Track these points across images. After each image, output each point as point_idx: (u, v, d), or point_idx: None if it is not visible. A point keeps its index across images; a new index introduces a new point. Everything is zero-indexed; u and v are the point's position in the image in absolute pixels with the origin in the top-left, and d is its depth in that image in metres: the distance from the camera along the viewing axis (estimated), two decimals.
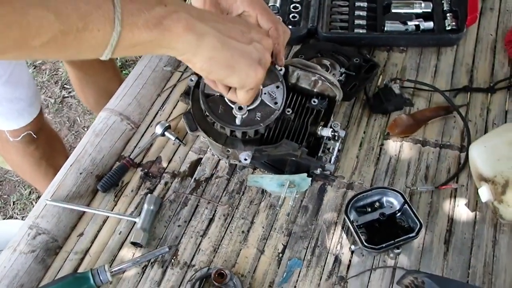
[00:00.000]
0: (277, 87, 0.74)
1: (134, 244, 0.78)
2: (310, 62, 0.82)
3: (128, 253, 0.79)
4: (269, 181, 0.74)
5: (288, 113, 0.75)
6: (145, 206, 0.81)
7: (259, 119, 0.71)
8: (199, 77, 0.76)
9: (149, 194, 0.83)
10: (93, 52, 0.49)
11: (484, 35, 0.99)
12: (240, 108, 0.70)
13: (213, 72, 0.56)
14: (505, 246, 0.73)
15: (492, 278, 0.70)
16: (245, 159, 0.71)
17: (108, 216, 0.83)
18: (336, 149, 0.79)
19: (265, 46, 0.59)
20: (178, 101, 0.97)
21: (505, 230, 0.74)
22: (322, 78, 0.80)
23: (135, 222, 0.80)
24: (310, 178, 0.73)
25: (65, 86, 2.20)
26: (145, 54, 0.52)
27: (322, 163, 0.73)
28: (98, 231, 0.81)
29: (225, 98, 0.71)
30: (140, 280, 0.75)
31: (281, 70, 0.76)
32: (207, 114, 0.72)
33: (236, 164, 0.85)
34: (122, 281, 0.76)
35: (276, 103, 0.72)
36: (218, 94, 0.72)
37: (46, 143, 1.37)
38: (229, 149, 0.74)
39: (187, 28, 0.51)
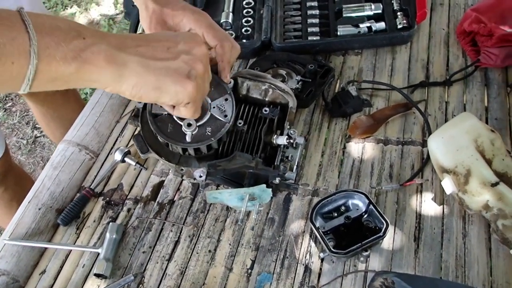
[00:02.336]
0: (226, 99, 0.73)
1: (98, 276, 0.75)
2: (259, 72, 0.81)
3: (93, 286, 0.75)
4: (229, 196, 0.72)
5: (240, 125, 0.74)
6: (107, 235, 0.78)
7: (209, 134, 0.69)
8: None
9: (111, 223, 0.80)
10: (10, 85, 0.47)
11: (436, 30, 0.99)
12: (189, 125, 0.68)
13: (143, 97, 0.55)
14: (475, 236, 0.71)
15: (465, 271, 0.68)
16: (200, 176, 0.69)
17: (71, 250, 0.80)
18: (296, 157, 0.78)
19: (196, 55, 0.57)
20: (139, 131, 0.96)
21: (474, 220, 0.73)
22: (272, 86, 0.79)
23: (98, 253, 0.77)
24: (270, 189, 0.71)
25: (36, 126, 2.16)
26: (68, 87, 0.51)
27: (279, 172, 0.72)
28: (61, 267, 0.78)
29: (174, 116, 0.69)
30: None
31: (230, 82, 0.75)
32: (157, 134, 0.70)
33: (198, 184, 0.83)
34: None
35: (226, 116, 0.71)
36: (166, 113, 0.70)
37: (16, 184, 1.34)
38: (182, 168, 0.72)
39: (107, 60, 0.50)
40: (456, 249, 0.70)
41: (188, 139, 0.69)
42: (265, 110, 0.77)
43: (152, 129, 0.70)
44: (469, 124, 0.73)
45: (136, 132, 0.73)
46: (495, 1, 0.93)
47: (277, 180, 0.72)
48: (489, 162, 0.71)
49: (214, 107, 0.71)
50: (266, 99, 0.78)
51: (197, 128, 0.69)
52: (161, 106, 0.69)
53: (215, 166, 0.70)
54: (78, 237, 0.81)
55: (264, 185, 0.71)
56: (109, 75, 0.51)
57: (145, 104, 0.74)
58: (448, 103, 0.87)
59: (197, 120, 0.69)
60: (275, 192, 0.78)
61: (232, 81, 0.75)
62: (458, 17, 1.00)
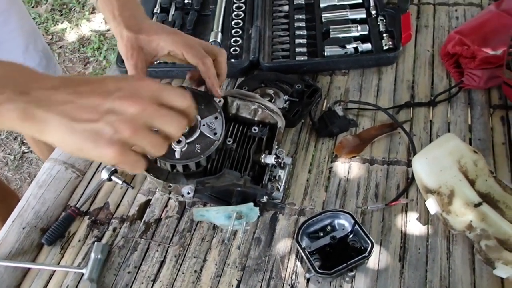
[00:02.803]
0: (216, 118, 0.73)
1: None
2: (249, 92, 0.82)
3: None
4: (216, 214, 0.72)
5: (229, 143, 0.74)
6: (92, 255, 0.78)
7: (199, 151, 0.69)
8: None
9: (96, 243, 0.79)
10: None
11: (421, 51, 1.01)
12: (178, 142, 0.69)
13: (68, 151, 0.52)
14: (459, 257, 0.72)
15: None
16: (188, 193, 0.69)
17: (55, 270, 0.79)
18: (283, 176, 0.78)
19: (125, 115, 0.50)
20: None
21: (458, 240, 0.73)
22: (262, 106, 0.80)
23: (82, 274, 0.77)
24: (258, 208, 0.71)
25: (24, 141, 2.15)
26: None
27: (267, 190, 0.72)
28: (45, 287, 0.77)
29: None
30: None
31: (220, 101, 0.76)
32: None
33: (185, 202, 0.83)
34: None
35: (215, 133, 0.71)
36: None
37: (1, 201, 1.33)
38: (170, 184, 0.72)
39: (22, 118, 0.47)
40: (440, 269, 0.71)
41: (177, 155, 0.69)
42: (254, 129, 0.78)
43: None
44: (452, 145, 0.74)
45: None
46: (477, 24, 0.95)
47: (264, 199, 0.72)
48: (472, 183, 0.72)
49: (204, 125, 0.72)
50: (255, 119, 0.79)
51: (186, 145, 0.69)
52: None
53: (203, 183, 0.70)
54: (62, 257, 0.81)
55: (252, 204, 0.71)
56: (27, 130, 0.49)
57: None
58: (433, 123, 0.89)
59: (186, 137, 0.69)
60: (262, 212, 0.78)
61: (222, 99, 0.75)
62: (442, 39, 1.02)
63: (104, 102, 0.49)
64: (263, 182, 0.74)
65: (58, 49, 2.60)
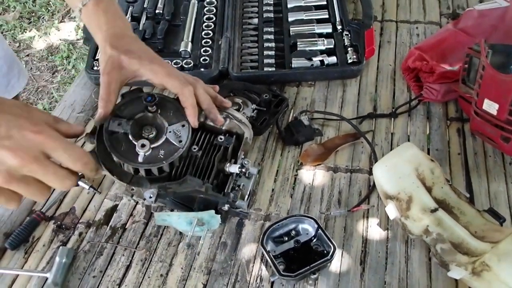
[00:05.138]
0: (183, 125, 0.74)
1: None
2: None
3: None
4: (177, 219, 0.73)
5: (195, 150, 0.76)
6: (57, 259, 0.77)
7: (162, 156, 0.70)
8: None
9: (61, 247, 0.79)
10: None
11: (384, 65, 1.06)
12: (143, 146, 0.69)
13: None
14: (417, 260, 0.75)
15: None
16: (150, 197, 0.70)
17: (18, 275, 0.78)
18: (249, 186, 0.80)
19: (5, 165, 0.51)
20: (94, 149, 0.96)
21: (415, 244, 0.76)
22: (230, 116, 0.81)
23: (46, 278, 0.76)
24: (219, 216, 0.72)
25: None
26: None
27: (229, 199, 0.73)
28: None
29: (129, 136, 0.71)
30: None
31: (196, 127, 0.77)
32: (110, 151, 0.71)
33: (151, 207, 0.84)
34: None
35: (180, 141, 0.72)
36: (122, 131, 0.71)
37: None
38: (133, 188, 0.73)
39: None
40: (399, 272, 0.74)
41: (140, 159, 0.70)
42: (220, 138, 0.79)
43: (106, 146, 0.71)
44: (410, 154, 0.77)
45: (91, 150, 0.73)
46: (436, 41, 1.00)
47: (226, 207, 0.73)
48: (429, 190, 0.76)
49: (170, 132, 0.73)
50: (223, 128, 0.81)
51: (150, 150, 0.70)
52: (118, 124, 0.71)
53: (165, 188, 0.71)
54: (26, 262, 0.80)
55: (213, 211, 0.72)
56: None
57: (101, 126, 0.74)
58: (394, 134, 0.93)
59: (151, 142, 0.70)
60: (225, 219, 0.79)
61: (197, 124, 0.76)
62: (403, 54, 1.07)
63: (3, 129, 0.50)
64: (226, 190, 0.76)
65: (26, 57, 2.56)
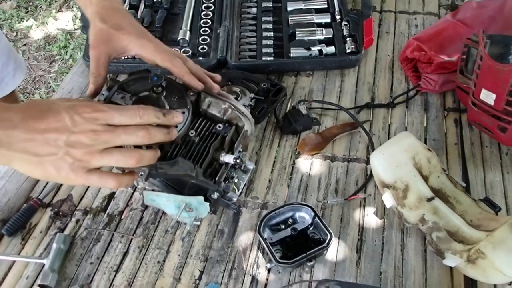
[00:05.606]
0: (183, 112, 0.74)
1: (42, 286, 0.74)
2: (224, 92, 0.84)
3: None
4: (166, 201, 0.73)
5: (192, 135, 0.75)
6: (54, 245, 0.77)
7: None
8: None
9: (58, 233, 0.79)
10: None
11: (382, 56, 1.06)
12: None
13: (36, 178, 0.59)
14: (412, 248, 0.75)
15: (402, 281, 0.72)
16: (141, 174, 0.70)
17: (15, 261, 0.78)
18: (244, 180, 0.80)
19: (82, 145, 0.55)
20: None
21: (411, 233, 0.77)
22: (232, 107, 0.81)
23: (43, 264, 0.76)
24: (208, 204, 0.72)
25: None
26: None
27: (219, 187, 0.73)
28: (3, 278, 0.76)
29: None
30: None
31: (192, 94, 0.77)
32: None
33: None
34: None
35: (176, 127, 0.72)
36: (123, 105, 0.72)
37: None
38: None
39: None
40: (394, 260, 0.74)
41: None
42: (219, 127, 0.79)
43: None
44: (407, 143, 0.77)
45: None
46: (434, 32, 1.00)
47: (215, 195, 0.73)
48: (425, 179, 0.76)
49: None
50: (224, 118, 0.80)
51: None
52: (122, 97, 0.71)
53: (156, 167, 0.71)
54: (23, 248, 0.80)
55: (202, 198, 0.72)
56: None
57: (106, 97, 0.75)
58: (391, 124, 0.93)
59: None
60: (215, 210, 0.78)
61: (196, 95, 0.76)
62: (402, 44, 1.07)
63: (60, 136, 0.54)
64: (217, 179, 0.76)
65: (23, 47, 2.54)
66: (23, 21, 2.67)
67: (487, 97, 0.80)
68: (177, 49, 1.03)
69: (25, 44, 2.56)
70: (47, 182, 0.88)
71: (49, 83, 2.35)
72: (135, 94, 0.74)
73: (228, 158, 0.77)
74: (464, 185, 0.78)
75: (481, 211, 0.74)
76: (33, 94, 2.29)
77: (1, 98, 1.26)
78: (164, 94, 0.75)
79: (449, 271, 0.72)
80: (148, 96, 0.75)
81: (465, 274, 0.69)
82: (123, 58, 0.91)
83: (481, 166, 0.84)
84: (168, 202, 0.75)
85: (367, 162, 0.86)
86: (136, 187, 0.86)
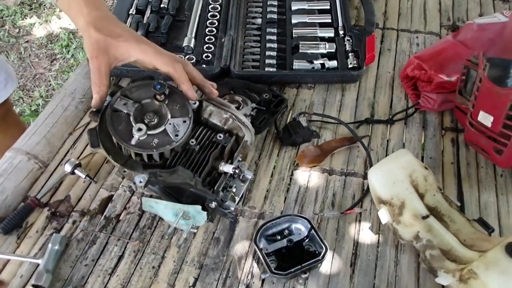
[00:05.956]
0: (184, 121, 0.75)
1: (36, 287, 0.74)
2: (225, 101, 0.84)
3: None
4: (164, 208, 0.74)
5: (192, 144, 0.76)
6: (50, 246, 0.77)
7: (154, 145, 0.72)
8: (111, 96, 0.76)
9: (54, 234, 0.79)
10: None
11: (383, 72, 1.07)
12: (139, 130, 0.71)
13: None
14: (406, 265, 0.76)
15: None
16: (140, 181, 0.70)
17: (9, 260, 0.78)
18: (242, 190, 0.81)
19: None
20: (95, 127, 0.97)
21: (405, 250, 0.78)
22: (233, 117, 0.82)
23: (38, 264, 0.76)
24: (205, 212, 0.73)
25: None
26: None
27: (217, 197, 0.74)
28: None
29: (131, 117, 0.72)
30: None
31: (195, 103, 0.78)
32: (108, 126, 0.72)
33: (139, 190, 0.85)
34: None
35: (177, 135, 0.73)
36: (125, 112, 0.73)
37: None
38: (126, 170, 0.73)
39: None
40: (388, 276, 0.75)
41: (133, 142, 0.71)
42: (219, 136, 0.79)
43: (106, 120, 0.72)
44: (405, 160, 0.79)
45: (93, 127, 0.75)
46: (435, 51, 1.02)
47: (213, 205, 0.74)
48: (421, 196, 0.77)
49: (170, 124, 0.74)
50: (225, 127, 0.81)
51: (146, 136, 0.71)
52: (124, 104, 0.72)
53: (156, 175, 0.72)
54: (18, 247, 0.80)
55: (200, 207, 0.72)
56: None
57: (108, 103, 0.75)
58: (389, 140, 0.94)
59: (149, 128, 0.72)
60: (212, 218, 0.78)
61: (198, 103, 0.78)
62: (403, 62, 1.08)
63: None
64: (215, 188, 0.76)
65: (25, 43, 2.55)
66: (26, 18, 2.68)
67: (485, 119, 0.81)
68: (181, 56, 1.04)
69: (27, 41, 2.56)
70: (46, 182, 0.88)
71: (49, 81, 2.35)
72: (137, 101, 0.75)
73: (227, 168, 0.77)
74: (459, 204, 0.79)
75: (475, 231, 0.75)
76: (32, 91, 2.30)
77: (2, 118, 1.28)
78: (167, 102, 0.76)
79: None
80: (150, 103, 0.76)
81: None
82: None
83: (476, 187, 0.86)
84: (166, 210, 0.75)
85: (365, 177, 0.87)
86: (134, 191, 0.87)
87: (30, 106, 2.22)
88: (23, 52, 2.49)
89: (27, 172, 0.89)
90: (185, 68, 0.76)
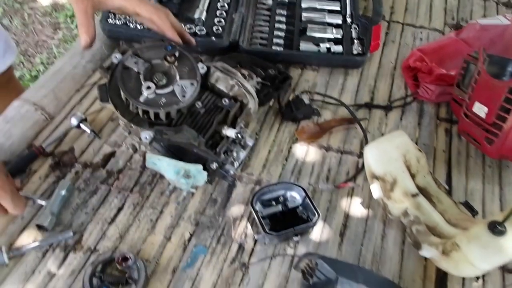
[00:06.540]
0: (192, 84, 0.78)
1: (39, 227, 0.76)
2: (232, 68, 0.87)
3: (28, 238, 0.76)
4: (167, 166, 0.76)
5: (198, 106, 0.79)
6: (57, 190, 0.79)
7: (162, 104, 0.74)
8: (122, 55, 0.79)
9: (63, 180, 0.81)
10: None
11: (385, 62, 1.11)
12: (148, 88, 0.73)
13: None
14: (392, 239, 0.80)
15: (379, 266, 0.76)
16: (146, 138, 0.73)
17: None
18: (242, 156, 0.84)
19: None
20: (97, 97, 0.98)
21: (393, 225, 0.81)
22: (239, 84, 0.85)
23: (41, 206, 0.79)
24: (206, 173, 0.75)
25: None
26: None
27: (219, 159, 0.77)
28: None
29: (140, 76, 0.75)
30: (39, 264, 0.73)
31: (203, 68, 0.81)
32: (118, 83, 0.74)
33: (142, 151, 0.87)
34: (20, 265, 0.73)
35: (184, 96, 0.76)
36: (136, 70, 0.75)
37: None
38: (132, 125, 0.76)
39: None
40: (374, 247, 0.78)
41: (141, 99, 0.73)
42: (225, 101, 0.82)
43: (117, 77, 0.74)
44: (400, 141, 0.82)
45: (102, 83, 0.78)
46: (438, 46, 1.06)
47: (214, 166, 0.76)
48: (413, 176, 0.81)
49: (178, 85, 0.76)
50: (230, 94, 0.84)
51: (154, 94, 0.74)
52: (135, 62, 0.76)
53: (161, 132, 0.74)
54: (20, 191, 0.82)
55: (201, 166, 0.75)
56: None
57: (119, 60, 0.78)
58: (386, 125, 0.98)
59: (158, 88, 0.74)
60: (212, 180, 0.81)
61: (206, 67, 0.80)
62: (405, 54, 1.12)
63: None
64: (217, 150, 0.79)
65: (29, 10, 2.55)
66: None
67: (480, 110, 0.85)
68: (191, 26, 1.06)
69: (31, 8, 2.56)
70: (51, 133, 0.90)
71: (51, 48, 2.35)
72: (148, 60, 0.78)
73: (230, 132, 0.80)
74: (447, 187, 0.83)
75: (460, 213, 0.79)
76: (34, 57, 2.30)
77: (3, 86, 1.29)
78: (176, 64, 0.78)
79: (423, 263, 0.77)
80: (161, 64, 0.78)
81: (438, 266, 0.74)
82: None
83: (464, 174, 0.90)
84: (169, 167, 0.78)
85: (360, 156, 0.91)
86: (137, 149, 0.89)
87: (30, 71, 2.23)
88: (27, 18, 2.49)
89: (33, 121, 0.91)
90: (168, 17, 0.79)
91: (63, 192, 0.79)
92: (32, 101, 0.94)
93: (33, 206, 0.79)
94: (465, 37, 1.06)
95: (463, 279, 0.74)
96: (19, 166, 0.84)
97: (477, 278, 0.75)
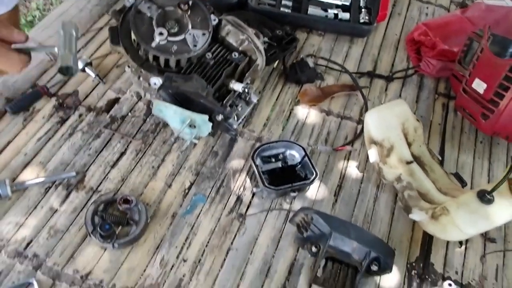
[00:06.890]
0: (203, 34, 0.79)
1: (63, 71, 0.60)
2: (243, 24, 0.88)
3: (31, 174, 0.78)
4: (173, 114, 0.76)
5: (208, 58, 0.80)
6: (61, 32, 0.61)
7: (173, 51, 0.75)
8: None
9: (63, 20, 0.63)
10: None
11: (390, 34, 1.12)
12: (161, 34, 0.74)
13: None
14: (384, 202, 0.83)
15: (369, 227, 0.80)
16: (155, 83, 0.74)
17: (15, 136, 0.81)
18: (246, 111, 0.85)
19: None
20: (103, 43, 0.98)
21: (386, 190, 0.85)
22: (249, 39, 0.85)
23: (52, 53, 0.63)
24: (211, 124, 0.76)
25: None
26: None
27: (224, 111, 0.78)
28: (1, 152, 0.79)
29: (153, 21, 0.75)
30: (42, 199, 0.75)
31: (215, 20, 0.82)
32: (131, 27, 0.75)
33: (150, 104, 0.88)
34: (23, 198, 0.75)
35: (195, 45, 0.77)
36: (149, 15, 0.75)
37: None
38: (142, 70, 0.77)
39: None
40: (366, 209, 0.82)
41: (153, 44, 0.74)
42: (234, 55, 0.84)
43: (130, 21, 0.75)
44: (400, 109, 0.85)
45: (114, 26, 0.78)
46: (443, 22, 1.07)
47: (219, 117, 0.77)
48: (409, 145, 0.84)
49: (190, 34, 0.77)
50: (240, 48, 0.85)
51: (166, 41, 0.74)
52: (148, 7, 0.76)
53: (171, 79, 0.75)
54: (23, 128, 0.83)
55: (207, 116, 0.76)
56: None
57: (133, 4, 0.78)
58: (386, 95, 1.00)
59: (170, 35, 0.75)
60: (215, 132, 0.83)
61: (217, 20, 0.80)
62: (410, 28, 1.13)
63: None
64: (224, 102, 0.81)
65: None
66: None
67: (479, 86, 0.87)
68: None
69: None
70: (55, 74, 0.90)
71: None
72: (161, 7, 0.78)
73: (237, 86, 0.82)
74: (440, 158, 0.86)
75: (450, 182, 0.82)
76: (29, 2, 2.24)
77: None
78: (189, 13, 0.79)
79: (411, 226, 0.80)
80: (174, 11, 0.79)
81: (425, 229, 0.78)
82: None
83: (457, 147, 0.93)
84: (175, 115, 0.79)
85: (359, 122, 0.93)
86: (141, 97, 0.90)
87: (26, 16, 2.17)
88: None
89: (38, 61, 0.91)
90: None
91: (72, 31, 0.61)
92: (37, 41, 0.93)
93: (35, 145, 0.80)
94: (470, 15, 1.08)
95: (447, 242, 0.78)
96: (24, 104, 0.85)
97: (460, 243, 0.79)
